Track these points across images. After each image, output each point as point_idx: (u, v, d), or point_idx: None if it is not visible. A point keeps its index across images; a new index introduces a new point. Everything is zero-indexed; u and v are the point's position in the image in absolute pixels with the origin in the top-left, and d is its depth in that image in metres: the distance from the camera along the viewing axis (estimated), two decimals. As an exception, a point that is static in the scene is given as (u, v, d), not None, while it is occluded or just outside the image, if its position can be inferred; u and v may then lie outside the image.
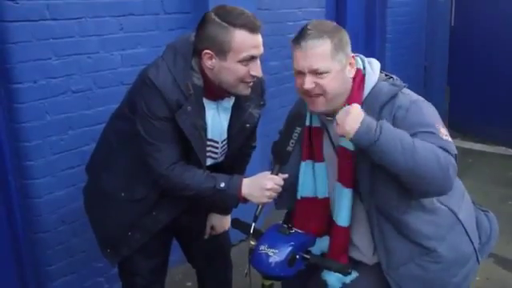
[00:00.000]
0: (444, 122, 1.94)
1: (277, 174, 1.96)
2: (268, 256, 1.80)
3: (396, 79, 1.96)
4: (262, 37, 1.96)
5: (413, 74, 6.32)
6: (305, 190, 2.05)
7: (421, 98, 1.92)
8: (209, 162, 2.14)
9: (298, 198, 2.07)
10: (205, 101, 2.03)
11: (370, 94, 1.90)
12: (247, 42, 1.90)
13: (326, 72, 1.82)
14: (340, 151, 1.91)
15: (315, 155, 2.02)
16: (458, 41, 6.88)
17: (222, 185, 1.99)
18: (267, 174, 1.98)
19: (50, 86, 2.73)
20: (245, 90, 2.00)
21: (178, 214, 2.23)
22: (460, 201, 2.01)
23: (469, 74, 6.63)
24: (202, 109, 2.03)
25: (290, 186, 2.03)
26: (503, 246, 2.89)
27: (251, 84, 2.00)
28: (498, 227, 2.16)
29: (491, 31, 6.33)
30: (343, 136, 1.77)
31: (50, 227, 2.84)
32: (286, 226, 1.91)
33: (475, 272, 2.06)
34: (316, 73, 1.82)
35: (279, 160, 1.94)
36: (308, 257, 1.86)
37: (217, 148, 2.15)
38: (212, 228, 2.43)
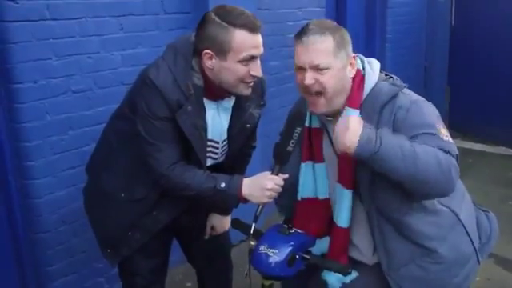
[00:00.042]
0: (444, 122, 1.94)
1: (277, 174, 1.96)
2: (268, 256, 1.80)
3: (396, 79, 1.96)
4: (262, 37, 1.96)
5: (413, 74, 6.32)
6: (305, 190, 2.05)
7: (421, 98, 1.92)
8: (209, 162, 2.14)
9: (299, 198, 2.06)
10: (205, 101, 2.03)
11: (370, 94, 1.90)
12: (247, 41, 1.90)
13: (327, 68, 1.82)
14: (340, 152, 1.90)
15: (315, 156, 2.02)
16: (458, 41, 6.88)
17: (223, 185, 1.99)
18: (267, 174, 1.98)
19: (50, 86, 2.73)
20: (245, 90, 2.00)
21: (178, 214, 2.23)
22: (460, 201, 2.01)
23: (469, 74, 6.63)
24: (203, 109, 2.03)
25: (290, 187, 2.04)
26: (503, 246, 2.89)
27: (251, 84, 2.00)
28: (497, 227, 2.16)
29: (491, 31, 6.33)
30: (344, 152, 1.76)
31: (51, 227, 2.84)
32: (285, 226, 1.91)
33: (475, 272, 2.06)
34: (317, 69, 1.82)
35: (279, 160, 1.94)
36: (308, 257, 1.86)
37: (217, 148, 2.15)
38: (212, 228, 2.43)
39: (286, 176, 1.98)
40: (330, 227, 2.00)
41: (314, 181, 2.04)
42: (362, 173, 1.86)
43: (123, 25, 3.07)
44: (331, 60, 1.83)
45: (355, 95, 1.89)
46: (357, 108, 1.87)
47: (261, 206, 1.95)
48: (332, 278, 1.96)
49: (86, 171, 2.38)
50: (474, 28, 6.59)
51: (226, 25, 1.89)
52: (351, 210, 1.92)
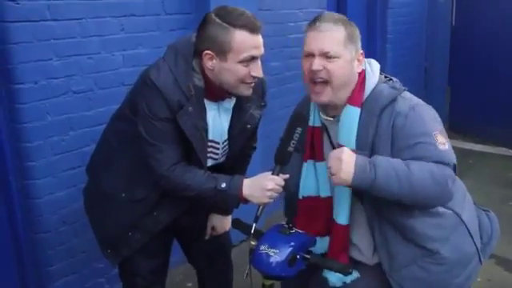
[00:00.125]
0: (444, 123, 1.95)
1: (277, 175, 1.96)
2: (269, 256, 1.80)
3: (396, 81, 1.96)
4: (263, 37, 1.96)
5: (413, 74, 6.32)
6: (307, 189, 2.06)
7: (421, 102, 1.93)
8: (210, 162, 2.14)
9: (300, 197, 2.07)
10: (206, 102, 2.03)
11: (370, 95, 1.91)
12: (247, 42, 1.90)
13: (336, 57, 1.84)
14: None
15: (316, 154, 2.03)
16: (458, 41, 6.88)
17: (223, 185, 1.99)
18: (268, 174, 1.98)
19: (51, 87, 2.74)
20: (246, 91, 2.00)
21: (179, 215, 2.23)
22: (462, 202, 2.01)
23: (469, 75, 6.62)
24: (203, 110, 2.03)
25: (292, 187, 2.04)
26: (504, 246, 2.89)
27: (252, 85, 2.00)
28: (499, 227, 2.16)
29: (492, 31, 6.33)
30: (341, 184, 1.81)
31: (51, 228, 2.84)
32: (286, 226, 1.91)
33: (477, 273, 2.06)
34: (326, 56, 1.84)
35: (280, 160, 1.95)
36: (308, 257, 1.86)
37: (218, 149, 2.15)
38: (213, 228, 2.43)
39: (287, 176, 1.98)
40: (330, 224, 2.00)
41: (316, 179, 2.04)
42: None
43: (124, 25, 3.07)
44: (341, 49, 1.85)
45: (356, 95, 1.90)
46: (358, 106, 1.88)
47: (261, 207, 1.95)
48: (333, 276, 1.97)
49: (86, 172, 2.38)
50: (475, 28, 6.59)
51: (227, 25, 1.89)
52: (350, 207, 1.93)
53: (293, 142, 1.90)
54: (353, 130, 1.88)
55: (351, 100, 1.90)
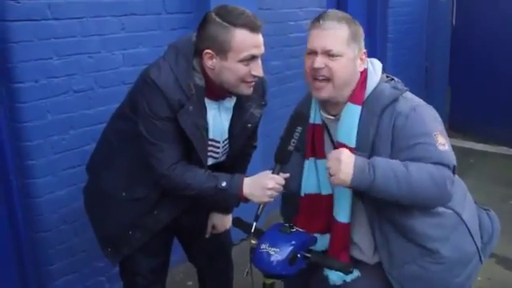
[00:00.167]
0: (445, 123, 1.95)
1: (278, 174, 1.96)
2: (269, 255, 1.80)
3: (397, 81, 1.96)
4: (263, 36, 1.96)
5: (414, 74, 6.32)
6: (308, 186, 2.06)
7: (422, 103, 1.93)
8: (210, 161, 2.14)
9: (302, 194, 2.07)
10: (206, 101, 2.03)
11: (371, 94, 1.91)
12: (247, 41, 1.90)
13: (339, 55, 1.84)
14: (339, 147, 1.91)
15: (317, 152, 2.03)
16: (459, 41, 6.88)
17: (224, 184, 1.99)
18: (268, 173, 1.98)
19: (51, 86, 2.74)
20: (246, 90, 2.00)
21: (179, 214, 2.23)
22: (463, 201, 2.01)
23: (470, 74, 6.62)
24: (204, 109, 2.03)
25: (293, 186, 2.04)
26: (505, 245, 2.88)
27: (253, 84, 2.00)
28: (499, 226, 2.16)
29: (492, 31, 6.33)
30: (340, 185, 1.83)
31: (52, 227, 2.84)
32: (287, 225, 1.91)
33: (478, 272, 2.06)
34: (328, 54, 1.84)
35: (280, 159, 1.95)
36: (309, 256, 1.86)
37: (218, 148, 2.15)
38: (213, 227, 2.43)
39: (287, 175, 1.98)
40: (331, 222, 2.00)
41: (317, 177, 2.04)
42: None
43: (125, 24, 3.07)
44: (344, 48, 1.85)
45: (357, 94, 1.90)
46: (359, 105, 1.88)
47: (262, 206, 1.95)
48: (333, 275, 1.97)
49: (86, 171, 2.38)
50: (475, 28, 6.59)
51: (227, 24, 1.89)
52: (351, 205, 1.93)
53: (293, 141, 1.90)
54: (353, 129, 1.88)
55: (352, 98, 1.90)
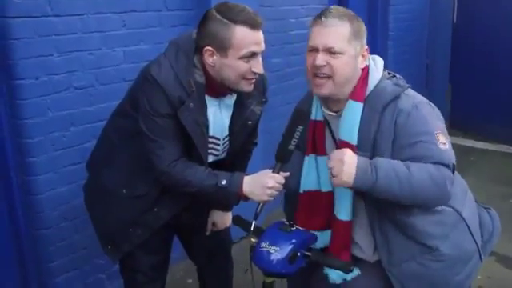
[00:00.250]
0: (445, 121, 1.95)
1: (278, 173, 1.96)
2: (269, 253, 1.80)
3: (399, 78, 1.96)
4: (264, 34, 1.96)
5: (415, 71, 6.31)
6: (308, 183, 2.06)
7: (424, 100, 1.92)
8: (210, 158, 2.14)
9: (301, 191, 2.07)
10: (207, 98, 2.03)
11: (373, 90, 1.90)
12: (248, 38, 1.90)
13: (340, 53, 1.84)
14: (341, 145, 1.91)
15: (317, 149, 2.03)
16: (460, 38, 6.87)
17: (224, 182, 1.99)
18: (268, 172, 1.97)
19: (52, 83, 2.73)
20: (247, 87, 2.00)
21: (179, 211, 2.23)
22: (463, 199, 2.01)
23: (471, 72, 6.61)
24: (204, 106, 2.03)
25: (293, 185, 2.05)
26: (505, 244, 2.89)
27: (253, 81, 2.00)
28: (500, 224, 2.16)
29: (493, 29, 6.32)
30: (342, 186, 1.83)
31: (52, 224, 2.84)
32: (287, 223, 1.91)
33: (478, 270, 2.06)
34: (329, 52, 1.84)
35: (281, 158, 1.94)
36: (309, 254, 1.86)
37: (218, 145, 2.15)
38: (213, 224, 2.43)
39: (287, 174, 1.97)
40: (332, 220, 2.00)
41: (317, 174, 2.04)
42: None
43: (125, 21, 3.07)
44: (345, 45, 1.84)
45: (359, 91, 1.90)
46: (361, 102, 1.88)
47: (261, 204, 1.95)
48: (334, 273, 1.97)
49: (86, 168, 2.38)
50: (476, 26, 6.58)
51: (227, 21, 1.89)
52: (352, 203, 1.93)
53: (293, 140, 1.90)
54: (355, 126, 1.88)
55: (354, 95, 1.90)
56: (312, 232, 1.95)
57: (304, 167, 2.06)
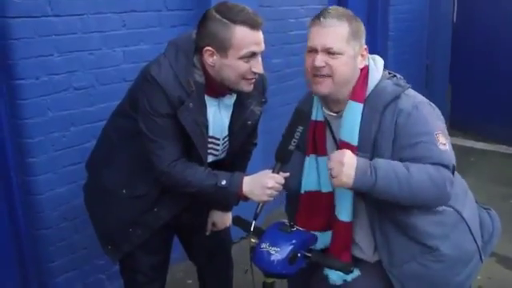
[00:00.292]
0: (445, 121, 1.96)
1: (278, 173, 1.95)
2: (270, 254, 1.80)
3: (400, 78, 1.96)
4: (264, 34, 1.96)
5: (415, 72, 6.31)
6: (309, 183, 2.06)
7: (424, 100, 1.92)
8: (210, 158, 2.14)
9: (302, 192, 2.07)
10: (206, 98, 2.03)
11: (373, 90, 1.90)
12: (248, 38, 1.90)
13: (339, 53, 1.84)
14: (342, 146, 1.91)
15: (318, 149, 2.03)
16: (460, 39, 6.87)
17: (224, 182, 1.99)
18: (268, 172, 1.97)
19: (52, 83, 2.73)
20: (246, 87, 2.00)
21: (179, 211, 2.23)
22: (464, 199, 2.01)
23: (470, 72, 6.61)
24: (204, 106, 2.03)
25: (293, 185, 2.04)
26: (505, 244, 2.88)
27: (253, 81, 2.00)
28: (500, 225, 2.16)
29: (493, 29, 6.32)
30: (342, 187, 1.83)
31: (52, 224, 2.84)
32: (287, 224, 1.91)
33: (478, 271, 2.06)
34: (328, 52, 1.84)
35: (281, 158, 1.94)
36: (309, 255, 1.86)
37: (218, 145, 2.15)
38: (213, 224, 2.43)
39: (287, 174, 1.97)
40: (332, 221, 2.00)
41: (318, 174, 2.04)
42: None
43: (125, 21, 3.07)
44: (344, 46, 1.84)
45: (359, 89, 1.90)
46: (361, 102, 1.88)
47: (261, 204, 1.95)
48: (334, 274, 1.97)
49: (85, 168, 2.38)
50: (476, 26, 6.58)
51: (227, 21, 1.89)
52: (353, 204, 1.93)
53: (294, 140, 1.90)
54: (355, 126, 1.88)
55: (354, 96, 1.90)
56: (312, 233, 1.95)
57: (305, 168, 2.06)
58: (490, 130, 6.38)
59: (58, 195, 2.84)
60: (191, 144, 2.02)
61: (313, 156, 2.04)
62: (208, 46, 1.92)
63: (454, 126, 6.27)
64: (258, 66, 1.95)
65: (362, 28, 1.92)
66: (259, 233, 1.93)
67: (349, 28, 1.85)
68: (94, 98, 2.95)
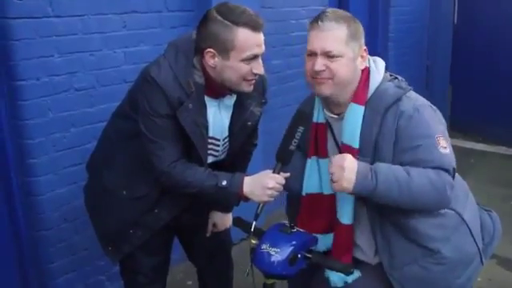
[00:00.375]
0: (446, 122, 1.95)
1: (278, 173, 1.95)
2: (270, 255, 1.80)
3: (401, 80, 1.96)
4: (265, 35, 1.96)
5: (415, 73, 6.31)
6: (310, 186, 2.06)
7: (425, 103, 1.92)
8: (210, 159, 2.14)
9: (304, 194, 2.07)
10: (206, 98, 2.03)
11: (375, 93, 1.90)
12: (250, 40, 1.90)
13: (338, 56, 1.84)
14: (344, 149, 1.91)
15: (319, 151, 2.03)
16: (460, 40, 6.87)
17: (224, 183, 1.99)
18: (269, 172, 1.97)
19: (52, 84, 2.73)
20: (247, 88, 2.00)
21: (180, 212, 2.23)
22: (464, 201, 2.01)
23: (471, 74, 6.62)
24: (204, 106, 2.03)
25: (293, 186, 2.04)
26: (506, 246, 2.87)
27: (253, 81, 2.00)
28: (500, 227, 2.15)
29: (494, 30, 6.32)
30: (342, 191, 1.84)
31: (53, 225, 2.84)
32: (287, 225, 1.91)
33: (479, 273, 2.06)
34: (328, 55, 1.84)
35: (281, 159, 1.94)
36: (310, 256, 1.86)
37: (218, 146, 2.15)
38: (214, 225, 2.43)
39: (288, 175, 1.97)
40: (334, 224, 2.00)
41: (319, 176, 2.04)
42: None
43: (126, 22, 3.07)
44: (343, 48, 1.84)
45: (361, 91, 1.90)
46: (362, 105, 1.88)
47: (261, 205, 1.95)
48: (335, 276, 1.97)
49: (86, 169, 2.38)
50: (477, 27, 6.58)
51: (229, 23, 1.88)
52: (354, 206, 1.93)
53: (294, 140, 1.90)
54: (357, 129, 1.88)
55: (355, 98, 1.90)
56: (312, 234, 1.95)
57: (306, 170, 2.06)
58: (490, 131, 6.38)
59: (58, 196, 2.84)
60: (191, 145, 2.02)
61: (314, 158, 2.04)
62: (209, 47, 1.92)
63: (454, 127, 6.26)
64: (258, 68, 1.95)
65: (361, 29, 1.92)
66: (259, 234, 1.92)
67: (347, 30, 1.85)
68: (95, 99, 2.95)
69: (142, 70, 2.07)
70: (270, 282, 1.91)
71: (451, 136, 1.95)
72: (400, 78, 1.98)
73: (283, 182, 1.96)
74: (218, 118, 2.09)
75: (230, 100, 2.11)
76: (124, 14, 3.05)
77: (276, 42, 4.14)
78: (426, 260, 1.90)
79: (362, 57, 1.92)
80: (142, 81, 2.00)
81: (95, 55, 2.93)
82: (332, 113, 1.98)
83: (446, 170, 1.80)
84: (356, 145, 1.87)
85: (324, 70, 1.84)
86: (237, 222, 2.12)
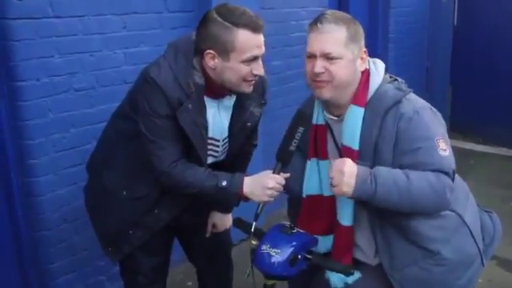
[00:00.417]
0: (446, 123, 1.95)
1: (278, 173, 1.96)
2: (270, 256, 1.80)
3: (401, 82, 1.96)
4: (265, 36, 1.96)
5: (415, 74, 6.32)
6: (310, 187, 2.06)
7: (425, 105, 1.92)
8: (210, 160, 2.14)
9: (304, 196, 2.07)
10: (206, 99, 2.03)
11: (374, 95, 1.90)
12: (250, 41, 1.90)
13: (338, 58, 1.83)
14: (343, 150, 1.91)
15: (319, 153, 2.03)
16: (460, 41, 6.88)
17: (224, 183, 1.99)
18: (269, 172, 1.97)
19: (52, 84, 2.74)
20: (247, 88, 2.00)
21: (179, 213, 2.23)
22: (465, 203, 2.01)
23: (471, 74, 6.62)
24: (203, 107, 2.03)
25: (293, 187, 2.04)
26: (506, 247, 2.87)
27: (253, 82, 2.00)
28: (501, 228, 2.15)
29: (494, 31, 6.33)
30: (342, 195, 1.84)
31: (53, 225, 2.84)
32: (288, 225, 1.91)
33: (479, 274, 2.06)
34: (327, 57, 1.83)
35: (281, 159, 1.94)
36: (310, 257, 1.86)
37: (218, 146, 2.15)
38: (213, 226, 2.43)
39: (288, 175, 1.97)
40: (334, 226, 2.00)
41: (319, 178, 2.04)
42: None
43: (126, 23, 3.07)
44: (342, 50, 1.84)
45: (360, 93, 1.90)
46: (362, 107, 1.88)
47: (261, 205, 1.95)
48: (335, 277, 1.97)
49: (86, 169, 2.38)
50: (477, 28, 6.59)
51: (229, 24, 1.88)
52: (354, 208, 1.93)
53: (294, 141, 1.90)
54: (356, 131, 1.87)
55: (355, 100, 1.89)
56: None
57: (306, 172, 2.06)
58: (490, 132, 6.38)
59: (58, 197, 2.84)
60: (191, 145, 2.02)
61: (314, 160, 2.04)
62: (209, 49, 1.92)
63: (454, 129, 6.26)
64: (258, 69, 1.95)
65: (361, 31, 1.92)
66: (260, 235, 1.92)
67: (346, 32, 1.85)
68: (95, 100, 2.95)
69: (142, 70, 2.07)
70: (270, 282, 1.91)
71: (451, 137, 1.95)
72: (400, 79, 1.98)
73: (283, 182, 1.96)
74: (218, 118, 2.09)
75: (230, 101, 2.11)
76: (124, 14, 3.05)
77: (276, 43, 4.14)
78: (426, 261, 1.90)
79: (361, 58, 1.91)
80: (142, 81, 2.00)
81: (95, 56, 2.93)
82: (332, 114, 1.98)
83: (446, 173, 1.80)
84: (356, 146, 1.87)
85: (323, 72, 1.84)
86: (237, 222, 2.12)
